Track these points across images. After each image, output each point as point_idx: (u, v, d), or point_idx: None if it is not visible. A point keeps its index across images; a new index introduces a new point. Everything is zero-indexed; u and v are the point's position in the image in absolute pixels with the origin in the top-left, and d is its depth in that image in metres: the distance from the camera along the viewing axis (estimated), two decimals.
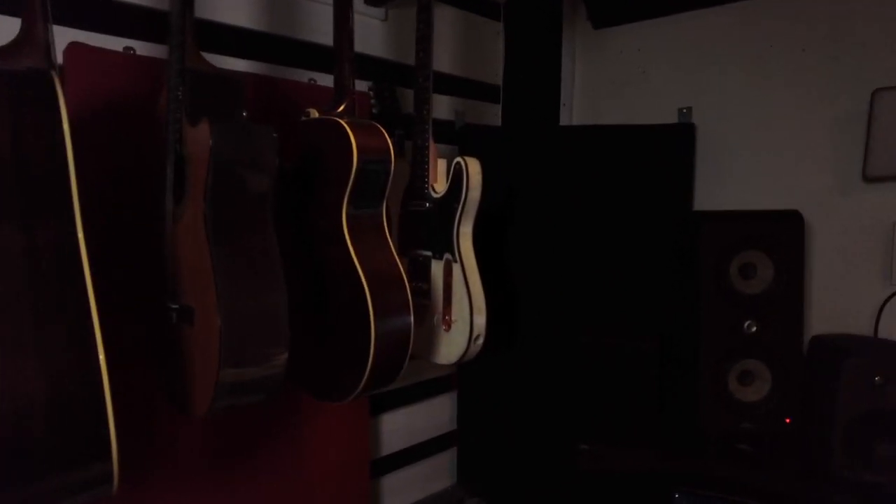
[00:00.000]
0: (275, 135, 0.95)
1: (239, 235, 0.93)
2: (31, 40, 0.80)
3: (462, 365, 1.27)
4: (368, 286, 1.04)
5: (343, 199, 1.07)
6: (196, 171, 0.92)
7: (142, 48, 1.10)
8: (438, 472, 1.77)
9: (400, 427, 1.66)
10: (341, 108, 1.14)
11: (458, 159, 1.21)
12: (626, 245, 1.54)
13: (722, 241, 1.38)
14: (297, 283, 1.08)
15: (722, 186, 1.66)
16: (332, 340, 1.10)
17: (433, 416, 1.75)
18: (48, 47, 0.80)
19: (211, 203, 0.91)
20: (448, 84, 1.73)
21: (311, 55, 1.36)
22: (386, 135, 1.10)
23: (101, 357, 0.77)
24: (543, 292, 1.59)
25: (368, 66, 1.47)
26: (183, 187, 0.96)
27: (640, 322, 1.48)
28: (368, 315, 1.04)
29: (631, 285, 1.51)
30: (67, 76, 1.00)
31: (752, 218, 1.43)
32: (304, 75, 1.37)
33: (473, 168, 1.21)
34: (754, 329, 1.37)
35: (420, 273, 1.27)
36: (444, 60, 1.71)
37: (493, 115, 1.88)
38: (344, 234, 1.07)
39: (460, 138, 1.71)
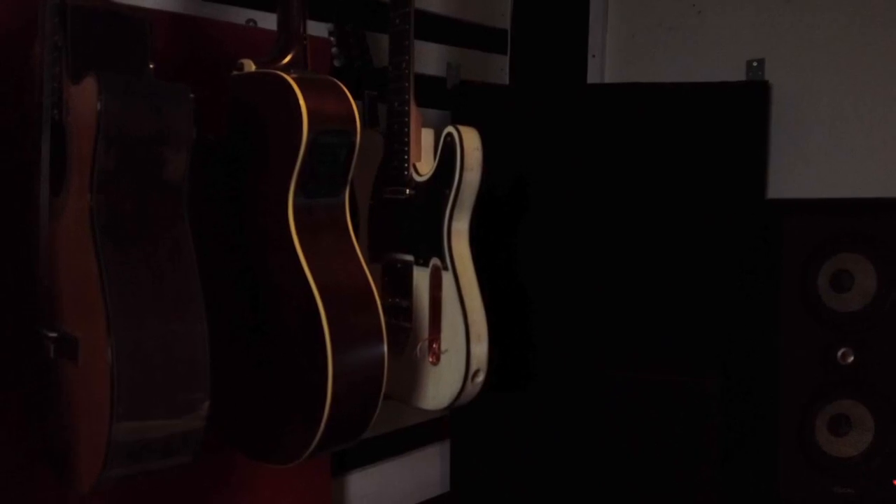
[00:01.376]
0: (191, 95, 0.90)
1: (140, 238, 0.89)
2: None
3: (456, 409, 1.25)
4: (324, 305, 1.00)
5: (289, 184, 1.03)
6: (80, 146, 0.88)
7: None
8: None
9: (373, 491, 1.64)
10: (287, 58, 1.10)
11: (450, 129, 1.18)
12: (675, 246, 1.53)
13: (808, 241, 1.35)
14: (224, 303, 1.05)
15: (804, 166, 1.64)
16: (274, 381, 1.07)
17: (418, 474, 1.75)
18: None
19: (99, 192, 0.86)
20: (438, 27, 1.72)
21: None
22: (349, 95, 1.06)
23: None
24: (565, 311, 1.58)
25: (329, 2, 1.44)
26: (63, 171, 0.91)
27: (695, 351, 1.47)
28: (324, 345, 0.99)
29: (682, 301, 1.50)
30: None
31: (849, 209, 1.40)
32: (240, 15, 1.34)
33: (470, 141, 1.18)
34: (851, 359, 1.33)
35: (397, 285, 1.25)
36: None
37: (497, 69, 1.87)
38: (290, 234, 1.03)
39: (454, 101, 1.69)
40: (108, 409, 0.84)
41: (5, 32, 1.01)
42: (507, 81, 1.87)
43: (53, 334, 0.92)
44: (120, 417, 0.85)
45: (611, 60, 1.93)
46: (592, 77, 1.90)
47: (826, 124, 1.62)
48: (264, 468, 1.28)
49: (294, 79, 1.01)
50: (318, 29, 1.33)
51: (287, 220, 1.03)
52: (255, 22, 1.34)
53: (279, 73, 1.03)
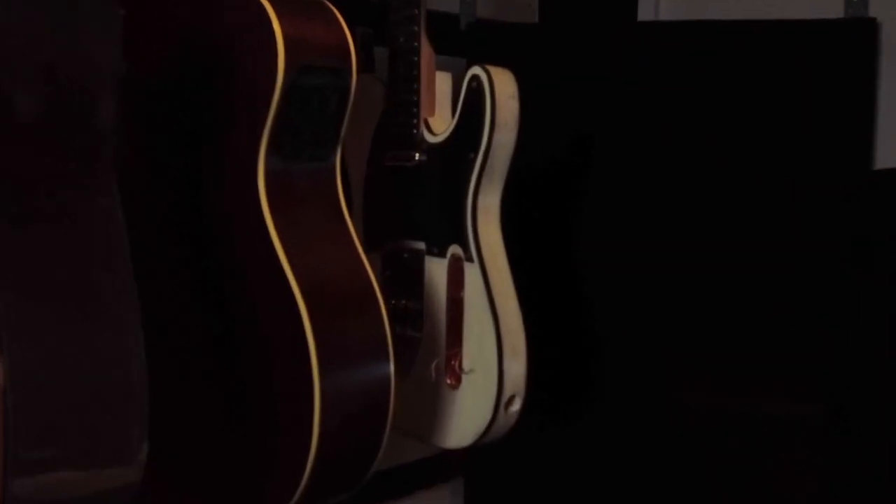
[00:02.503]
0: (120, 11, 0.76)
1: (44, 214, 0.76)
2: None
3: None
4: (308, 309, 0.90)
5: (259, 144, 0.91)
6: None
7: None
8: None
9: None
10: None
11: (476, 70, 1.08)
12: (758, 233, 1.45)
13: None
14: (168, 308, 0.95)
15: None
16: (240, 413, 0.96)
17: None
18: None
19: None
20: None
21: None
22: (341, 20, 0.96)
23: None
24: (622, 314, 1.50)
25: None
26: None
27: (791, 371, 1.38)
28: (308, 364, 0.89)
29: (770, 305, 1.42)
30: None
31: None
32: None
33: (504, 86, 1.08)
34: None
35: (403, 282, 1.16)
36: None
37: (524, 4, 1.81)
38: (261, 211, 0.91)
39: (470, 45, 1.62)
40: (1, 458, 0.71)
41: None
42: (535, 19, 1.80)
43: None
44: (18, 471, 0.71)
45: None
46: (644, 14, 1.80)
47: None
48: None
49: None
50: None
51: (256, 191, 0.91)
52: None
53: None
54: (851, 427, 1.32)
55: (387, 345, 0.96)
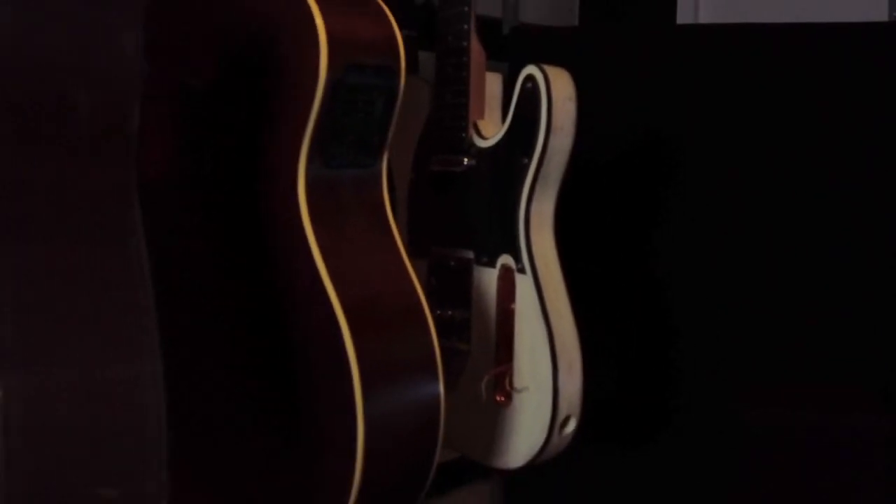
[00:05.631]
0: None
1: (57, 229, 0.64)
2: None
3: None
4: (350, 326, 0.77)
5: (299, 148, 0.78)
6: None
7: None
8: None
9: None
10: None
11: (532, 69, 0.96)
12: (811, 236, 1.33)
13: None
14: (194, 329, 0.83)
15: None
16: (276, 439, 0.84)
17: None
18: None
19: None
20: None
21: None
22: (390, 15, 0.83)
23: None
24: (665, 327, 1.40)
25: None
26: None
27: (853, 378, 1.27)
28: (350, 386, 0.76)
29: (828, 312, 1.30)
30: None
31: None
32: None
33: (561, 88, 0.95)
34: None
35: (450, 292, 1.06)
36: None
37: (565, 10, 1.72)
38: (300, 221, 0.79)
39: (513, 48, 1.51)
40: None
41: None
42: (575, 22, 1.72)
43: None
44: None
45: None
46: (683, 17, 1.72)
47: None
48: None
49: None
50: None
51: (296, 200, 0.79)
52: None
53: None
54: None
55: (435, 362, 0.84)
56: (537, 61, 1.19)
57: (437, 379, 0.83)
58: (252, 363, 0.85)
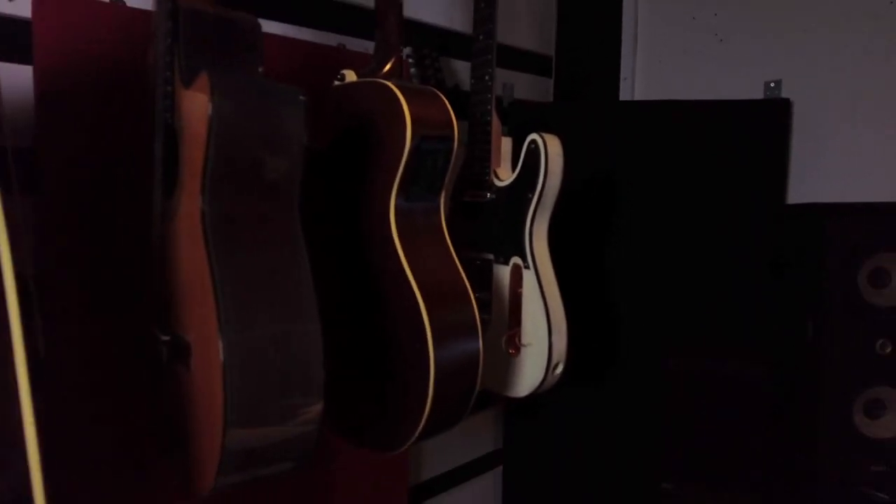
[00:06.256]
0: (302, 97, 0.68)
1: (253, 240, 0.67)
2: None
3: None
4: (424, 302, 0.81)
5: (391, 188, 0.82)
6: (191, 149, 0.66)
7: None
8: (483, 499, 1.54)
9: (438, 449, 1.43)
10: (386, 68, 0.88)
11: (534, 136, 0.97)
12: (711, 247, 1.33)
13: (849, 242, 1.11)
14: (329, 303, 0.84)
15: (819, 176, 1.40)
16: (379, 375, 0.86)
17: (473, 435, 1.54)
18: None
19: (211, 195, 0.64)
20: (496, 53, 1.46)
21: (339, 15, 1.13)
22: (448, 104, 0.85)
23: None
24: (616, 305, 1.36)
25: (405, 30, 1.21)
26: (176, 174, 0.69)
27: (748, 343, 1.26)
28: (425, 340, 0.80)
29: (727, 296, 1.30)
30: (36, 32, 0.75)
31: (884, 212, 1.17)
32: (331, 39, 1.12)
33: (554, 147, 0.97)
34: (889, 349, 1.10)
35: (477, 280, 1.05)
36: None
37: (544, 91, 1.65)
38: (392, 235, 0.82)
39: (510, 116, 1.48)
40: (220, 415, 0.63)
41: (131, 49, 0.79)
42: (551, 98, 1.66)
43: (166, 338, 0.69)
44: (232, 424, 0.63)
45: (640, 82, 1.70)
46: (624, 96, 1.68)
47: (838, 136, 1.39)
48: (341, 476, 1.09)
49: (397, 86, 0.80)
50: None
51: (389, 222, 0.82)
52: (344, 45, 1.12)
53: (383, 81, 0.81)
54: (782, 382, 1.20)
55: (477, 328, 0.86)
56: (529, 126, 1.20)
57: (477, 337, 0.86)
58: (365, 326, 0.87)
